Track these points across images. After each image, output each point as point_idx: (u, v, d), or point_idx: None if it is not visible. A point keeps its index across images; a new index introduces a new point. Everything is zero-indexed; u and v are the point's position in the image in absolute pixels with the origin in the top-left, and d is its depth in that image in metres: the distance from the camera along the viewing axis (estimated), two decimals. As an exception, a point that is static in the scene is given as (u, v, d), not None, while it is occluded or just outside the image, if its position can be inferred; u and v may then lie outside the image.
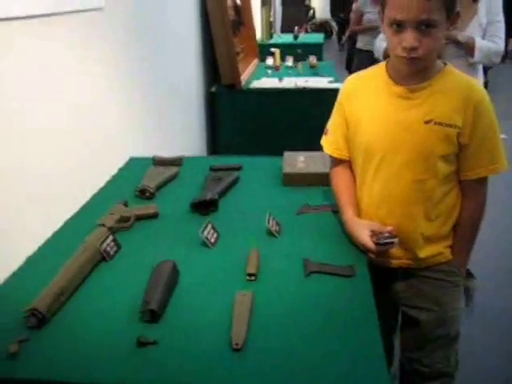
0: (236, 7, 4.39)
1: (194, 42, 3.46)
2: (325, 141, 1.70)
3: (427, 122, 1.44)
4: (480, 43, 2.93)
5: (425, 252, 1.57)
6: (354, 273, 1.30)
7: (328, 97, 3.70)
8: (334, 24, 14.03)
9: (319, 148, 1.75)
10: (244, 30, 4.61)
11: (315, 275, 1.29)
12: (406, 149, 1.47)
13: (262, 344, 1.05)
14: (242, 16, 4.55)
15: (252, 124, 3.73)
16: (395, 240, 1.43)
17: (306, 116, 3.66)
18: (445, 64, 1.51)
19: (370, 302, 1.19)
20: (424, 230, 1.54)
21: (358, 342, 1.06)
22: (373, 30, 5.01)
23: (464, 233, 1.59)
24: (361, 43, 5.47)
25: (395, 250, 1.54)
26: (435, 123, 1.43)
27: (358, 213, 1.58)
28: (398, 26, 1.37)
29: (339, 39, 12.85)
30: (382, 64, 1.56)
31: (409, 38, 1.36)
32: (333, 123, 1.68)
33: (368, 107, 1.54)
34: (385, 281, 1.63)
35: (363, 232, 1.43)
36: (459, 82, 1.48)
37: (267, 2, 6.76)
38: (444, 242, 1.60)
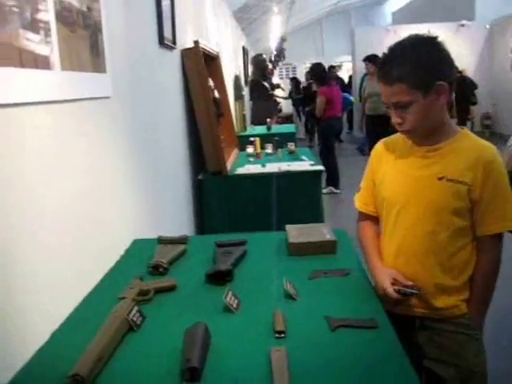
0: (215, 100, 4.61)
1: (181, 132, 3.61)
2: (356, 197, 1.88)
3: (440, 179, 1.58)
4: None
5: (440, 303, 1.64)
6: (376, 324, 1.35)
7: (311, 178, 3.93)
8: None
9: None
10: (223, 121, 4.81)
11: (340, 330, 1.35)
12: (420, 203, 1.61)
13: (304, 392, 1.09)
14: (220, 108, 4.76)
15: (238, 207, 3.86)
16: (416, 291, 1.56)
17: (290, 197, 3.80)
18: (462, 128, 1.67)
19: (398, 348, 1.25)
20: (439, 280, 1.63)
21: (394, 380, 1.11)
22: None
23: (477, 288, 1.64)
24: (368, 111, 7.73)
25: (412, 299, 1.63)
26: (447, 180, 1.57)
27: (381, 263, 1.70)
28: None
29: (307, 130, 13.37)
30: None
31: (392, 116, 1.59)
32: (363, 181, 1.85)
33: (391, 166, 1.71)
34: (404, 332, 1.65)
35: (386, 279, 1.58)
36: (472, 144, 1.62)
37: (240, 97, 7.08)
38: (459, 295, 1.65)
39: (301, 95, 13.57)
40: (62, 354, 1.30)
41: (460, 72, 9.65)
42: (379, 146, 1.82)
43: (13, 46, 1.29)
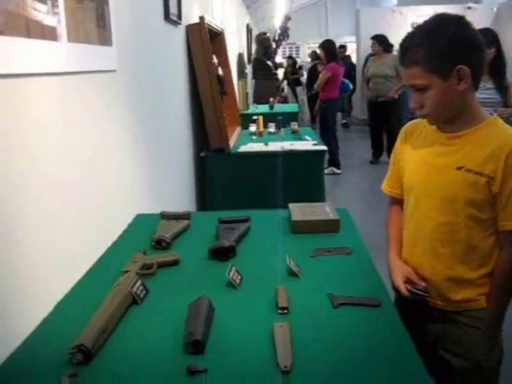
0: (219, 78, 4.58)
1: (185, 109, 3.60)
2: (384, 181, 1.84)
3: (459, 169, 1.52)
4: None
5: (457, 295, 1.60)
6: (379, 303, 1.36)
7: (314, 158, 3.93)
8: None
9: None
10: (226, 99, 4.79)
11: (343, 307, 1.36)
12: (436, 191, 1.57)
13: (306, 366, 1.10)
14: (224, 86, 4.73)
15: (240, 184, 3.87)
16: (426, 295, 1.57)
17: (292, 176, 3.80)
18: (491, 115, 1.59)
19: (400, 326, 1.26)
20: (455, 272, 1.58)
21: (397, 359, 1.12)
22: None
23: (496, 284, 1.58)
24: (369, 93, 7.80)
25: (431, 292, 1.61)
26: (466, 170, 1.51)
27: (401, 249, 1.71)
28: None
29: (311, 110, 13.33)
30: None
31: (411, 100, 1.55)
32: (390, 164, 1.81)
33: (415, 150, 1.66)
34: (422, 320, 1.65)
35: (399, 276, 1.59)
36: (497, 132, 1.52)
37: (243, 76, 7.04)
38: (478, 289, 1.59)
39: (296, 75, 13.39)
40: (67, 325, 1.31)
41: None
42: (408, 127, 1.76)
43: (20, 15, 1.28)
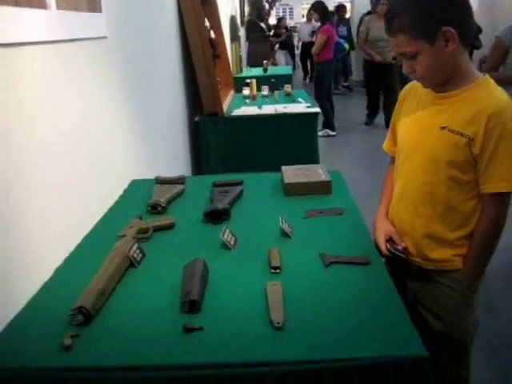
0: (211, 41, 4.55)
1: (177, 74, 3.60)
2: (385, 140, 1.87)
3: (442, 128, 1.53)
4: None
5: (434, 254, 1.63)
6: (369, 261, 1.41)
7: (307, 120, 3.94)
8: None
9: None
10: (219, 62, 4.77)
11: (334, 266, 1.40)
12: (421, 151, 1.60)
13: (299, 323, 1.15)
14: (217, 49, 4.70)
15: (234, 148, 3.90)
16: (403, 256, 1.63)
17: (286, 139, 3.82)
18: (484, 75, 1.57)
19: (388, 283, 1.31)
20: (433, 231, 1.61)
21: (385, 313, 1.17)
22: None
23: (474, 245, 1.59)
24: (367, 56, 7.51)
25: (410, 248, 1.66)
26: (448, 130, 1.52)
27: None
28: None
29: (305, 72, 13.20)
30: None
31: (403, 66, 1.57)
32: (390, 124, 1.83)
33: (410, 110, 1.68)
34: (400, 277, 1.67)
35: (381, 235, 1.66)
36: (484, 94, 1.51)
37: (236, 38, 6.97)
38: (455, 250, 1.61)
39: (279, 38, 12.94)
40: (66, 288, 1.36)
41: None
42: (406, 88, 1.76)
43: (8, -17, 1.28)
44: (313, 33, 12.01)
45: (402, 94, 1.78)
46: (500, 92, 1.54)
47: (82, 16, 1.78)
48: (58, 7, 1.55)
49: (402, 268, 1.68)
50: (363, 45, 7.65)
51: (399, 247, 1.64)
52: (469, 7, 1.51)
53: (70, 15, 1.67)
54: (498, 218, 1.56)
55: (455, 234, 1.60)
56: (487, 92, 1.52)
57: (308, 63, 12.80)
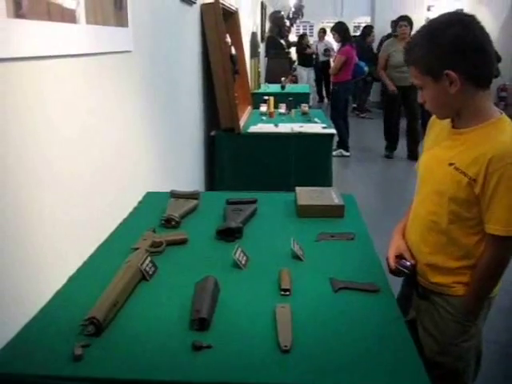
0: (232, 57, 4.60)
1: (197, 88, 3.64)
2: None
3: (450, 165, 1.56)
4: None
5: (435, 278, 1.67)
6: (378, 289, 1.42)
7: (323, 141, 3.97)
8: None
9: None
10: (238, 78, 4.81)
11: (343, 292, 1.41)
12: (431, 183, 1.66)
13: (306, 347, 1.16)
14: (236, 65, 4.75)
15: (249, 165, 3.94)
16: (408, 273, 1.68)
17: (300, 158, 3.86)
18: (501, 114, 1.57)
19: (396, 312, 1.32)
20: (435, 260, 1.66)
21: (392, 343, 1.18)
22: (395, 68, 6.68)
23: (474, 278, 1.61)
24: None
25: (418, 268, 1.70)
26: (454, 167, 1.55)
27: None
28: None
29: (319, 91, 13.13)
30: None
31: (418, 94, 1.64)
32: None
33: (432, 140, 1.74)
34: (409, 291, 1.79)
35: (393, 250, 1.72)
36: (491, 135, 1.51)
37: (256, 54, 7.04)
38: (456, 277, 1.64)
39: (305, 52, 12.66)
40: (79, 297, 1.38)
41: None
42: (433, 117, 1.78)
43: (42, -1, 1.32)
44: (325, 51, 12.08)
45: (429, 122, 1.82)
46: (508, 135, 1.51)
47: (110, 30, 1.82)
48: (88, 22, 1.59)
49: (412, 283, 1.75)
50: (380, 71, 7.29)
51: (408, 263, 1.68)
52: (485, 51, 1.50)
53: (99, 29, 1.71)
54: (500, 257, 1.58)
55: (458, 263, 1.64)
56: (495, 134, 1.51)
57: (323, 84, 12.63)
